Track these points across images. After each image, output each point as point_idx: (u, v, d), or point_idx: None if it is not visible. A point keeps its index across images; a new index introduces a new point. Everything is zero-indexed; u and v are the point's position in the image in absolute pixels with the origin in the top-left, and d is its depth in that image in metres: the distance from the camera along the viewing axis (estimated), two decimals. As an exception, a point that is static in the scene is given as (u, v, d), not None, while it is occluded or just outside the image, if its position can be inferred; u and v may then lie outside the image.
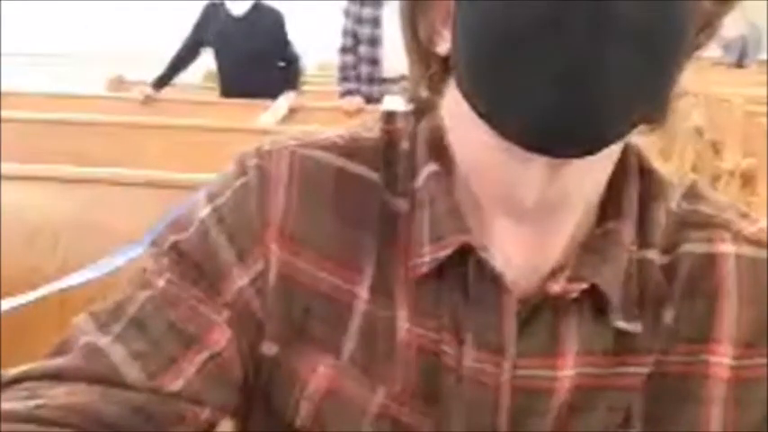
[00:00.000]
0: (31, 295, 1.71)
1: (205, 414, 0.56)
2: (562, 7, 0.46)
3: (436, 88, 0.59)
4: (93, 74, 5.02)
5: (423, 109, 0.61)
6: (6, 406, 0.50)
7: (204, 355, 0.56)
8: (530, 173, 0.53)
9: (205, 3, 4.11)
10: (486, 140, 0.53)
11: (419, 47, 0.57)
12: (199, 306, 0.56)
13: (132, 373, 0.54)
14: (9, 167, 2.06)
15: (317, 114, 3.74)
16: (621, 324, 0.56)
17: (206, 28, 4.03)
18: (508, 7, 0.48)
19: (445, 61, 0.56)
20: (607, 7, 0.46)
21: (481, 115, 0.52)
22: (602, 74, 0.47)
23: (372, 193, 0.59)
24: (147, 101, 3.98)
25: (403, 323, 0.57)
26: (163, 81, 4.08)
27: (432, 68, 0.57)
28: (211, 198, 0.59)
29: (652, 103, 0.50)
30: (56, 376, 0.53)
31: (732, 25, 7.54)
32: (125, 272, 1.68)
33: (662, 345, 0.57)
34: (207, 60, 4.24)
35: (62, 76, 5.60)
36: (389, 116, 0.62)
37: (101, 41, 6.84)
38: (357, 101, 3.87)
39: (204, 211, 0.59)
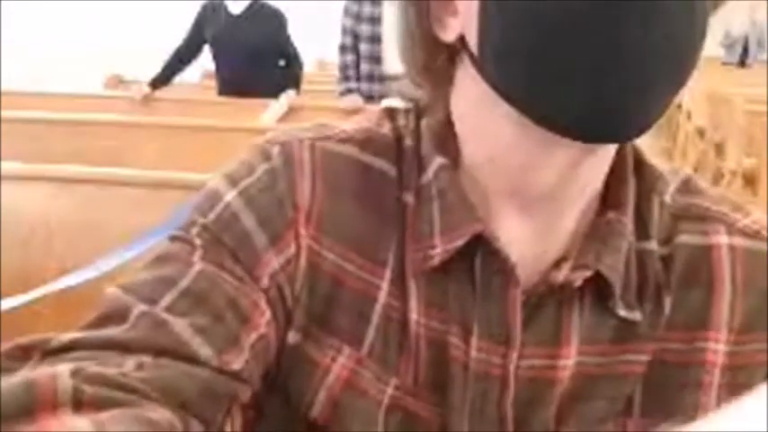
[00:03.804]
0: (29, 295, 1.71)
1: (248, 395, 0.55)
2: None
3: (441, 77, 0.58)
4: (92, 73, 5.01)
5: (423, 106, 0.61)
6: (89, 368, 0.46)
7: (254, 335, 0.54)
8: (553, 158, 0.54)
9: (203, 1, 4.09)
10: (506, 129, 0.54)
11: (422, 34, 0.57)
12: (242, 286, 0.55)
13: (202, 348, 0.51)
14: (7, 167, 2.06)
15: (317, 113, 3.73)
16: (623, 312, 0.57)
17: (204, 27, 4.01)
18: None
19: (450, 49, 0.56)
20: None
21: (512, 101, 0.52)
22: (640, 61, 0.48)
23: (389, 186, 0.59)
24: (146, 100, 3.96)
25: (413, 315, 0.57)
26: (161, 80, 4.06)
27: (435, 57, 0.57)
28: (235, 182, 0.58)
29: (678, 89, 0.51)
30: (119, 346, 0.49)
31: (735, 25, 7.55)
32: (123, 272, 1.67)
33: (661, 333, 0.58)
34: (205, 59, 4.22)
35: (61, 75, 5.59)
36: (392, 113, 0.63)
37: (99, 40, 6.83)
38: (357, 100, 3.86)
39: (230, 195, 0.57)
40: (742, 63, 7.37)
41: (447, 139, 0.58)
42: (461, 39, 0.55)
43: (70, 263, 1.85)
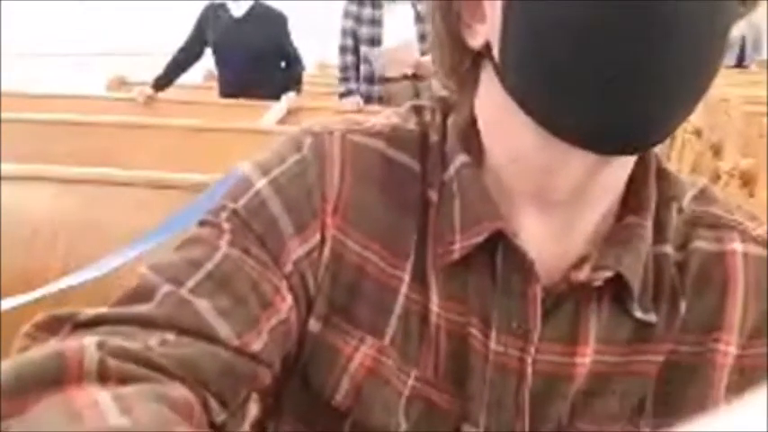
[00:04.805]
0: (31, 295, 1.70)
1: (269, 378, 0.56)
2: (615, 9, 0.48)
3: (467, 80, 0.60)
4: (95, 74, 5.01)
5: (449, 104, 0.62)
6: (115, 342, 0.47)
7: (275, 319, 0.55)
8: (570, 165, 0.55)
9: (206, 3, 4.10)
10: (528, 135, 0.55)
11: (451, 38, 0.58)
12: (265, 271, 0.56)
13: (223, 329, 0.52)
14: (9, 167, 2.07)
15: (317, 115, 3.74)
16: (639, 314, 0.58)
17: (206, 29, 4.03)
18: (562, 9, 0.49)
19: (476, 54, 0.58)
20: (660, 8, 0.47)
21: (531, 113, 0.53)
22: (657, 74, 0.49)
23: (413, 180, 0.60)
24: (149, 102, 3.97)
25: (434, 308, 0.59)
26: (164, 82, 4.07)
27: (462, 60, 0.59)
28: (266, 171, 0.60)
29: (697, 101, 0.52)
30: (144, 322, 0.50)
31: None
32: (125, 271, 1.69)
33: (675, 335, 0.59)
34: (207, 61, 4.23)
35: (64, 77, 5.59)
36: (418, 110, 0.64)
37: (101, 41, 6.83)
38: (357, 101, 3.87)
39: (260, 183, 0.59)
40: (739, 64, 7.36)
41: (471, 138, 0.60)
42: (487, 45, 0.56)
43: (73, 263, 1.86)
